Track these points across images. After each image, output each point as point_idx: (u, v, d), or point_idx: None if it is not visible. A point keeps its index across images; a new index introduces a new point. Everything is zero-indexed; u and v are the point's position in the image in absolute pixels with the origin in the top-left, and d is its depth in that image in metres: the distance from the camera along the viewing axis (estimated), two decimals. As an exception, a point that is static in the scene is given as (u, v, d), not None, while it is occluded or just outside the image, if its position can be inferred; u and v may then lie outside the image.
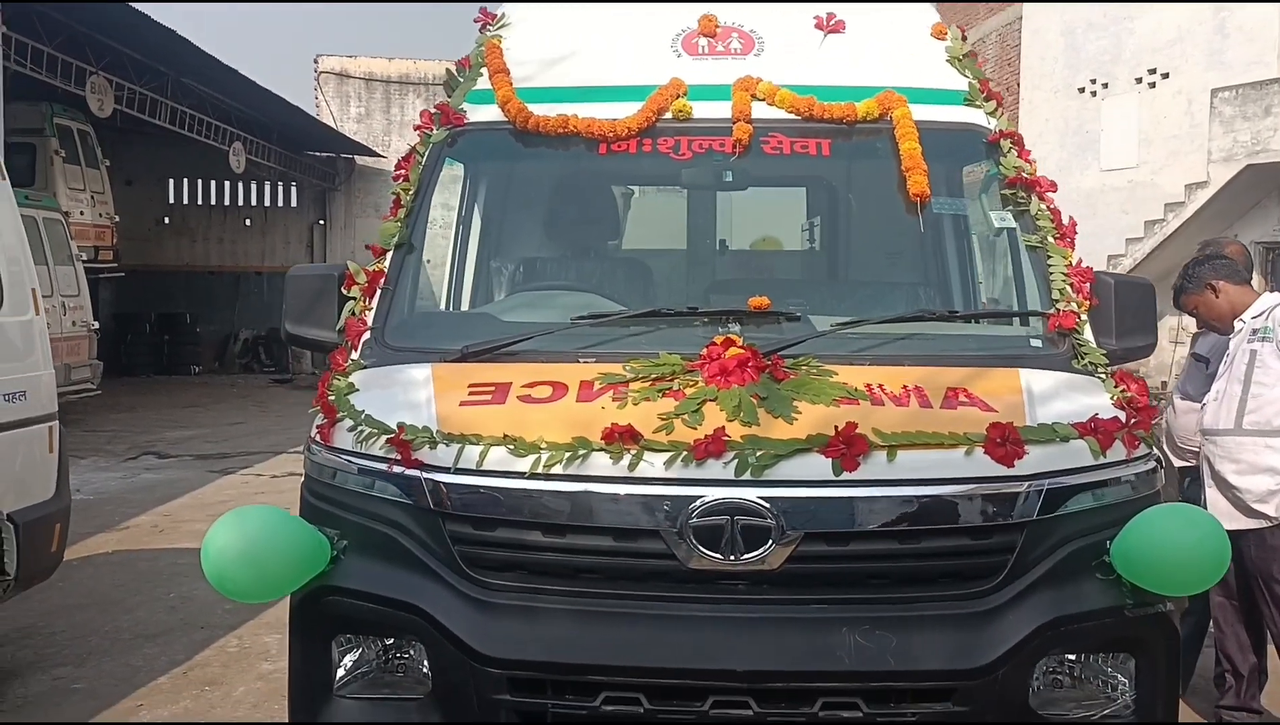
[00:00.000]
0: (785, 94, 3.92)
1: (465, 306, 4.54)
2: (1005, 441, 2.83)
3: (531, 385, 3.15)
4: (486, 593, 2.86)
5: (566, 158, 4.10)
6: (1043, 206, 3.80)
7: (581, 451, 2.84)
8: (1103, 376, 3.30)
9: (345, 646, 3.04)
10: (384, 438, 3.00)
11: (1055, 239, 3.72)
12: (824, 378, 3.11)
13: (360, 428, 3.06)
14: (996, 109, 4.07)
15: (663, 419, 2.93)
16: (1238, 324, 4.34)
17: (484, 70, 4.19)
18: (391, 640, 3.00)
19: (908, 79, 3.98)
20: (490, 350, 3.42)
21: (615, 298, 3.93)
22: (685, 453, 2.81)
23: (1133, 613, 2.87)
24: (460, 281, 4.63)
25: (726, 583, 2.80)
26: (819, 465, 2.79)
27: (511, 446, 2.88)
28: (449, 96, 4.22)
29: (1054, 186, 3.86)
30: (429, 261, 4.58)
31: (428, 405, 3.11)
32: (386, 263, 3.81)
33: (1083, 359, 3.40)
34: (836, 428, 2.80)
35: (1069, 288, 3.58)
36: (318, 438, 3.17)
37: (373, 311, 3.70)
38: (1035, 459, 2.85)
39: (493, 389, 3.16)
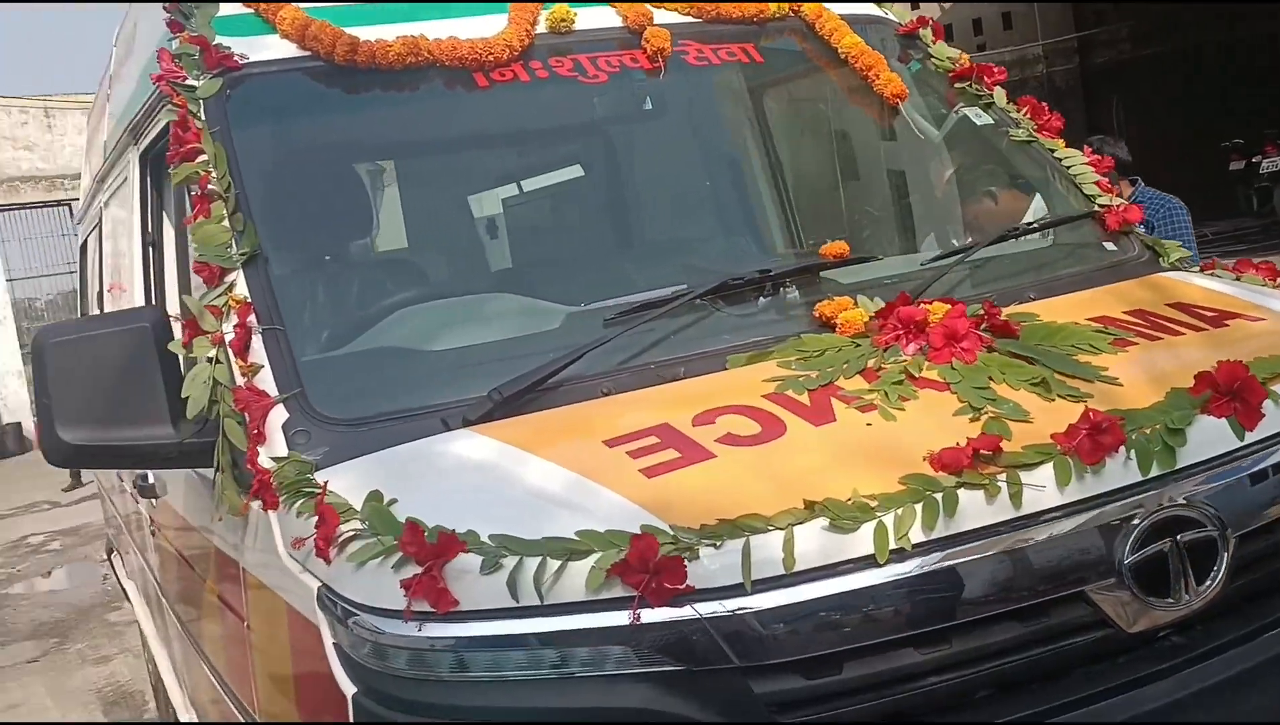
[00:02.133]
0: None
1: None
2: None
3: (703, 421, 1.92)
4: None
5: (416, 100, 2.71)
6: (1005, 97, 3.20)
7: (936, 495, 1.71)
8: (1228, 274, 2.79)
9: None
10: (589, 564, 1.61)
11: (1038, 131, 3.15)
12: (1048, 323, 2.24)
13: (508, 561, 1.63)
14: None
15: (972, 421, 1.89)
16: None
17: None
18: None
19: None
20: (537, 386, 2.09)
21: (546, 294, 2.66)
22: (1064, 457, 1.80)
23: None
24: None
25: (1171, 640, 1.84)
26: (1215, 432, 1.93)
27: (830, 519, 1.66)
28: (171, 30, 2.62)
29: (1004, 73, 3.27)
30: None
31: (579, 491, 1.76)
32: (242, 286, 2.24)
33: (1169, 257, 2.86)
34: (1206, 373, 1.96)
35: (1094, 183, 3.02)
36: (412, 606, 1.64)
37: (265, 370, 2.14)
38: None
39: (654, 441, 1.87)
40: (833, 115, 3.21)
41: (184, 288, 3.18)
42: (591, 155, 2.97)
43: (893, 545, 1.66)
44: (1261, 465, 1.92)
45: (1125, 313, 2.33)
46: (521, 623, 1.63)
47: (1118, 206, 2.92)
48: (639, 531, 1.62)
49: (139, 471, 3.29)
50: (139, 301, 3.21)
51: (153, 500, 3.26)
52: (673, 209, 2.91)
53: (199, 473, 2.59)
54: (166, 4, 2.62)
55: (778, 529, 1.65)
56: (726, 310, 2.40)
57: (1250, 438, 1.93)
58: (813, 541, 1.65)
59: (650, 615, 1.60)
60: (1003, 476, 1.76)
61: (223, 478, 2.13)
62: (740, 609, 1.60)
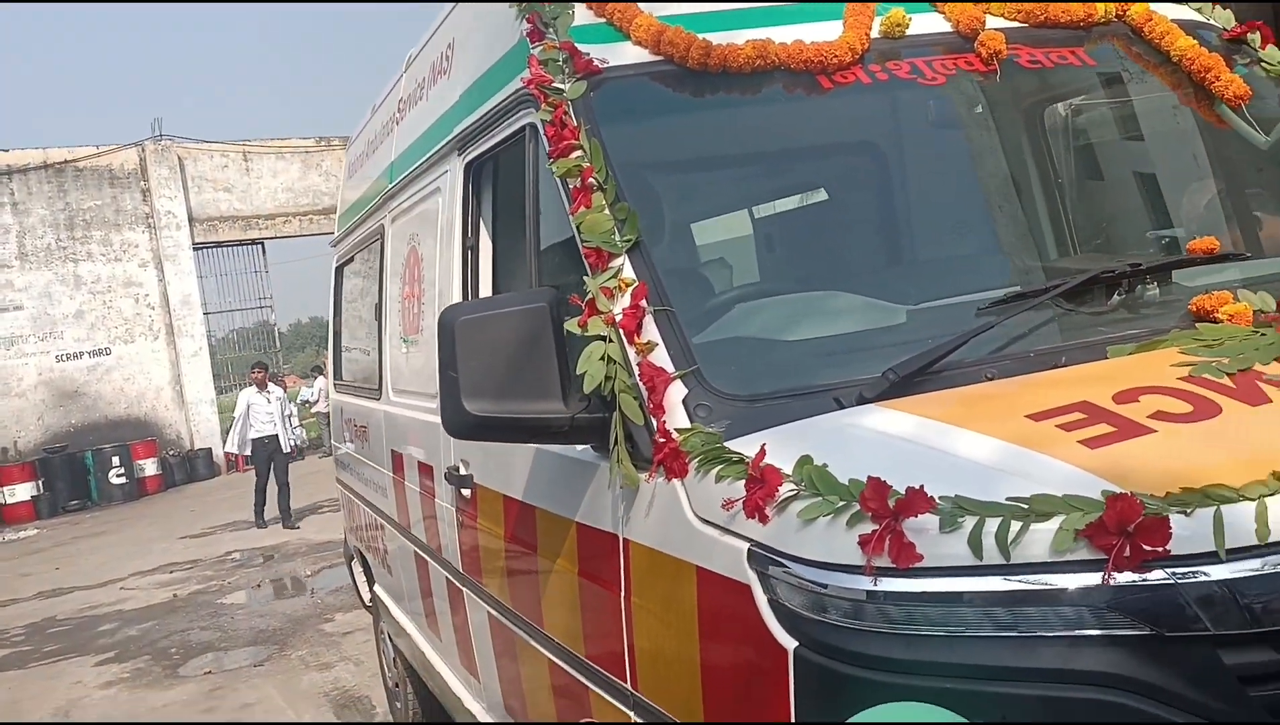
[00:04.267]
0: None
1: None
2: None
3: (1127, 399, 1.91)
4: None
5: (764, 103, 2.79)
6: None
7: None
8: None
9: None
10: (1056, 525, 1.62)
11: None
12: None
13: (966, 520, 1.66)
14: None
15: None
16: None
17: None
18: None
19: None
20: (930, 366, 2.12)
21: (879, 293, 2.68)
22: None
23: None
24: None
25: None
26: None
27: (1302, 491, 1.64)
28: (531, 40, 2.76)
29: (1344, 79, 3.17)
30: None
31: (1021, 460, 1.77)
32: (629, 270, 2.34)
33: None
34: None
35: None
36: (873, 561, 1.69)
37: (659, 348, 2.23)
38: None
39: (1081, 416, 1.87)
40: (1163, 117, 3.17)
41: (498, 287, 3.34)
42: (924, 156, 3.01)
43: (1368, 519, 1.62)
44: None
45: None
46: (982, 580, 1.64)
47: None
48: (1100, 497, 1.62)
49: (454, 464, 3.44)
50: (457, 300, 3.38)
51: (464, 490, 3.40)
52: (1004, 210, 2.92)
53: (548, 451, 2.71)
54: (527, 13, 2.77)
55: (1248, 499, 1.62)
56: (1091, 306, 2.39)
57: None
58: (1284, 508, 1.62)
59: (1120, 578, 1.59)
60: None
61: (618, 451, 2.21)
62: (1213, 576, 1.59)
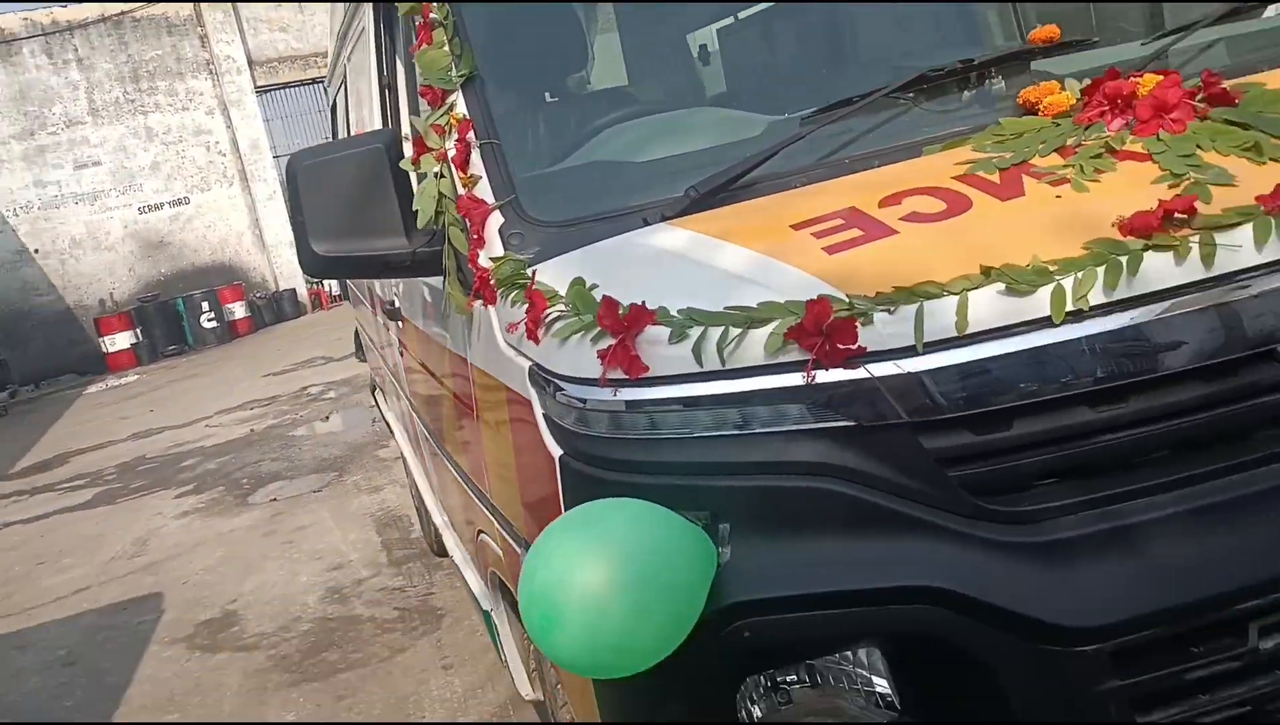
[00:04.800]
0: None
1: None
2: None
3: (890, 202, 1.97)
4: (1020, 531, 1.70)
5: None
6: None
7: (1120, 258, 1.71)
8: None
9: (763, 694, 1.79)
10: (768, 330, 1.73)
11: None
12: (1258, 88, 2.13)
13: (693, 330, 1.77)
14: None
15: (1170, 187, 1.85)
16: None
17: None
18: (840, 660, 1.78)
19: None
20: (732, 182, 2.18)
21: (753, 107, 2.70)
22: (1266, 217, 1.74)
23: None
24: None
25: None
26: None
27: (1006, 284, 1.71)
28: None
29: None
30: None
31: (765, 268, 1.86)
32: (461, 106, 2.41)
33: None
34: None
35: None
36: (607, 374, 1.83)
37: (483, 181, 2.33)
38: None
39: (838, 222, 1.94)
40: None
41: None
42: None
43: (1070, 307, 1.69)
44: None
45: None
46: (705, 385, 1.76)
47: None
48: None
49: (389, 299, 3.62)
50: None
51: (399, 322, 3.59)
52: (892, 20, 2.88)
53: (430, 285, 2.86)
54: None
55: (952, 294, 1.70)
56: (928, 105, 2.40)
57: None
58: (988, 305, 1.70)
59: (825, 376, 1.70)
60: (1195, 238, 1.73)
61: (449, 280, 2.35)
62: (910, 368, 1.68)
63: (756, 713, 1.78)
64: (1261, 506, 1.70)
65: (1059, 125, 2.14)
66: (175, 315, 19.93)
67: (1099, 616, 1.65)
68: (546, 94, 3.01)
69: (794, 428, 1.73)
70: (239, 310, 20.43)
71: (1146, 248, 1.72)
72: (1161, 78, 2.10)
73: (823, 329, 1.67)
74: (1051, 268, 1.71)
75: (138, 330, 19.54)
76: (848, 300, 1.71)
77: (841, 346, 1.66)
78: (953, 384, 1.68)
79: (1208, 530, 1.70)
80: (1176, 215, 1.74)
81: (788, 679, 1.78)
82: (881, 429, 1.70)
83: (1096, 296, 1.69)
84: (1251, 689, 1.70)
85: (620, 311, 1.80)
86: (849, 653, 1.75)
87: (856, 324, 1.66)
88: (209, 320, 19.89)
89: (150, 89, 20.95)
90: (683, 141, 2.59)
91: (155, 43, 20.99)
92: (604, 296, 1.84)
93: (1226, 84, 2.14)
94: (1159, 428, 1.73)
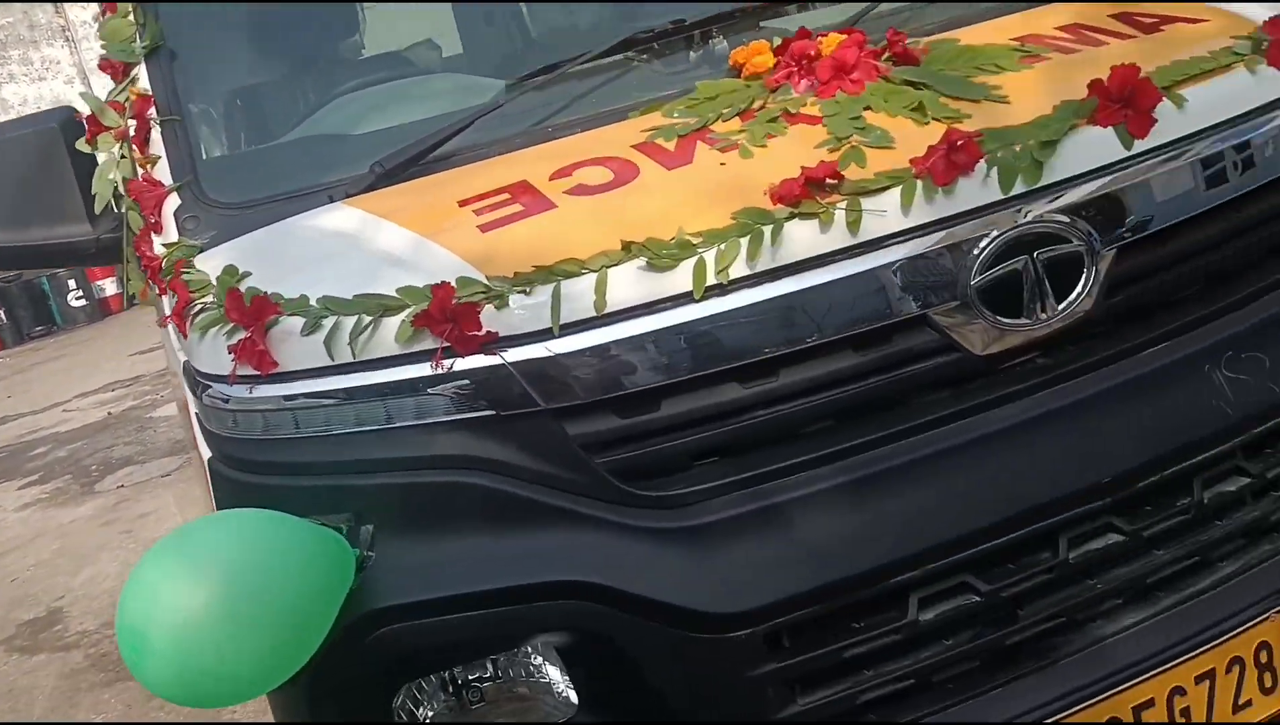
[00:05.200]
0: None
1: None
2: (1287, 39, 1.97)
3: (561, 174, 1.88)
4: (669, 516, 1.64)
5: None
6: None
7: (764, 227, 1.65)
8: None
9: (422, 701, 1.71)
10: (400, 318, 1.63)
11: None
12: (957, 46, 2.08)
13: (327, 321, 1.67)
14: None
15: (831, 152, 1.79)
16: None
17: None
18: (504, 661, 1.69)
19: None
20: (419, 156, 2.07)
21: (491, 72, 2.59)
22: (914, 180, 1.70)
23: None
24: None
25: (1031, 361, 1.77)
26: (1100, 142, 1.79)
27: (647, 259, 1.63)
28: None
29: None
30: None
31: (417, 250, 1.76)
32: (144, 81, 2.26)
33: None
34: (1098, 81, 1.80)
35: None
36: (243, 370, 1.72)
37: (161, 161, 2.19)
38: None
39: (504, 197, 1.85)
40: None
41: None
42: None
43: (711, 281, 1.62)
44: (1150, 175, 1.78)
45: (1058, 28, 2.15)
46: (340, 379, 1.67)
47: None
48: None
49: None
50: None
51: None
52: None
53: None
54: None
55: (592, 271, 1.62)
56: (656, 66, 2.30)
57: (1142, 146, 1.79)
58: (630, 283, 1.62)
59: (462, 364, 1.61)
60: (843, 204, 1.68)
61: (127, 269, 2.21)
62: (547, 352, 1.60)
63: (427, 715, 1.70)
64: (917, 475, 1.67)
65: (750, 88, 2.06)
66: (41, 294, 19.17)
67: (747, 600, 1.60)
68: (279, 65, 2.85)
69: (433, 420, 1.64)
70: (110, 286, 19.70)
71: (792, 216, 1.66)
72: (844, 37, 2.04)
73: (449, 315, 1.57)
74: (695, 240, 1.64)
75: (1, 311, 18.75)
76: (485, 284, 1.62)
77: (469, 333, 1.57)
78: (592, 367, 1.61)
79: (864, 503, 1.66)
80: (828, 181, 1.69)
81: (478, 676, 1.70)
82: (521, 417, 1.62)
83: (740, 269, 1.63)
84: (916, 661, 1.68)
85: (245, 302, 1.68)
86: (529, 650, 1.68)
87: (479, 309, 1.58)
88: (77, 298, 19.16)
89: (3, 58, 20.01)
90: (408, 111, 2.47)
91: (5, 10, 20.02)
92: (229, 288, 1.72)
93: (925, 41, 2.10)
94: (812, 401, 1.68)
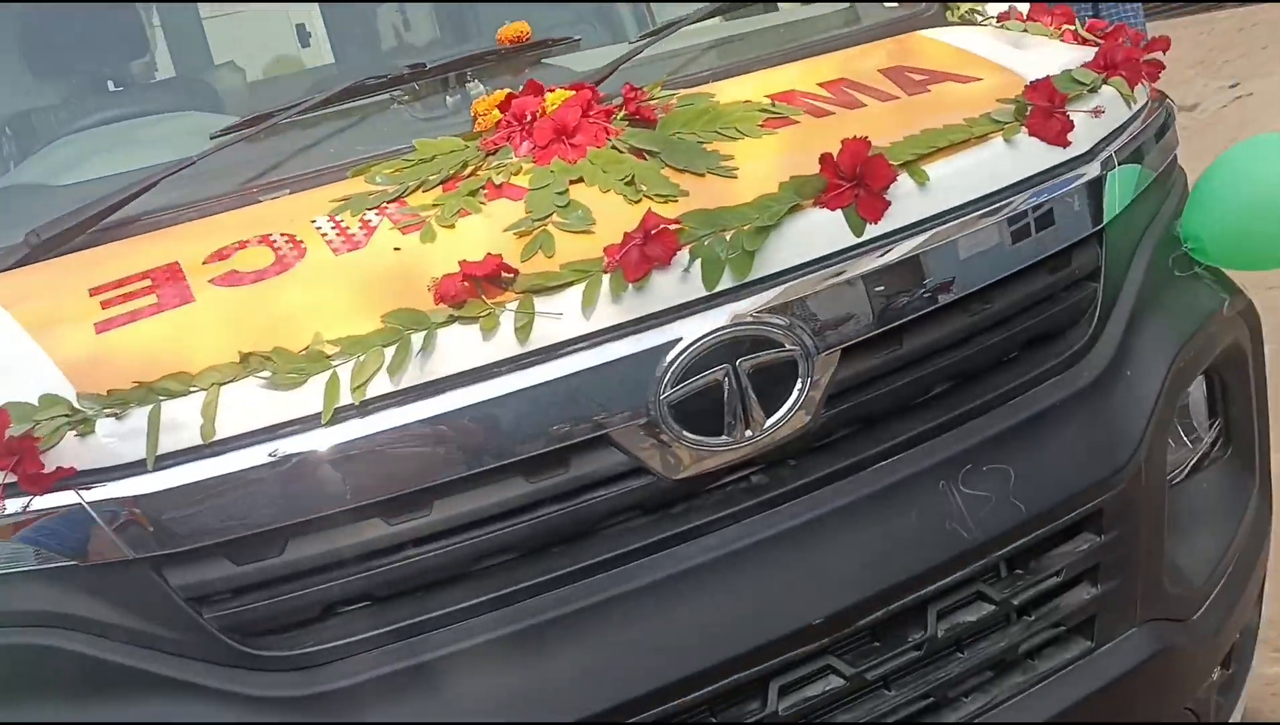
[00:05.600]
0: None
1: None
2: (1052, 108, 1.75)
3: (219, 256, 1.61)
4: (299, 680, 1.37)
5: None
6: None
7: (414, 333, 1.40)
8: (1017, 24, 2.32)
9: None
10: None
11: None
12: (704, 100, 1.85)
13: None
14: None
15: (520, 236, 1.54)
16: None
17: None
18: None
19: None
20: (88, 223, 1.77)
21: (238, 109, 2.31)
22: (601, 275, 1.46)
23: (1229, 310, 1.99)
24: None
25: (741, 481, 1.53)
26: (826, 228, 1.56)
27: (270, 374, 1.37)
28: None
29: None
30: None
31: (15, 354, 1.48)
32: None
33: (957, 10, 2.40)
34: (827, 156, 1.57)
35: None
36: None
37: None
38: (1080, 127, 1.81)
39: (145, 284, 1.57)
40: None
41: None
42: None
43: (346, 400, 1.36)
44: (881, 265, 1.56)
45: (822, 84, 1.93)
46: None
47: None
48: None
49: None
50: None
51: None
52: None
53: None
54: None
55: (202, 390, 1.36)
56: (405, 111, 2.05)
57: (875, 231, 1.57)
58: (247, 403, 1.36)
59: (38, 502, 1.34)
60: (514, 305, 1.43)
61: None
62: (140, 490, 1.33)
63: None
64: (599, 623, 1.43)
65: (467, 149, 1.81)
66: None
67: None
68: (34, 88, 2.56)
69: (9, 570, 1.36)
70: None
71: (451, 320, 1.41)
72: (573, 93, 1.80)
73: (9, 448, 1.30)
74: (330, 350, 1.38)
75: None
76: (72, 404, 1.35)
77: (31, 472, 1.30)
78: (198, 506, 1.34)
79: (536, 656, 1.42)
80: (503, 275, 1.44)
81: None
82: (111, 567, 1.35)
83: (383, 385, 1.38)
84: None
85: None
86: None
87: (37, 443, 1.30)
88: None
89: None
90: (125, 157, 2.18)
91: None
92: None
93: (679, 95, 1.86)
94: (474, 537, 1.43)
